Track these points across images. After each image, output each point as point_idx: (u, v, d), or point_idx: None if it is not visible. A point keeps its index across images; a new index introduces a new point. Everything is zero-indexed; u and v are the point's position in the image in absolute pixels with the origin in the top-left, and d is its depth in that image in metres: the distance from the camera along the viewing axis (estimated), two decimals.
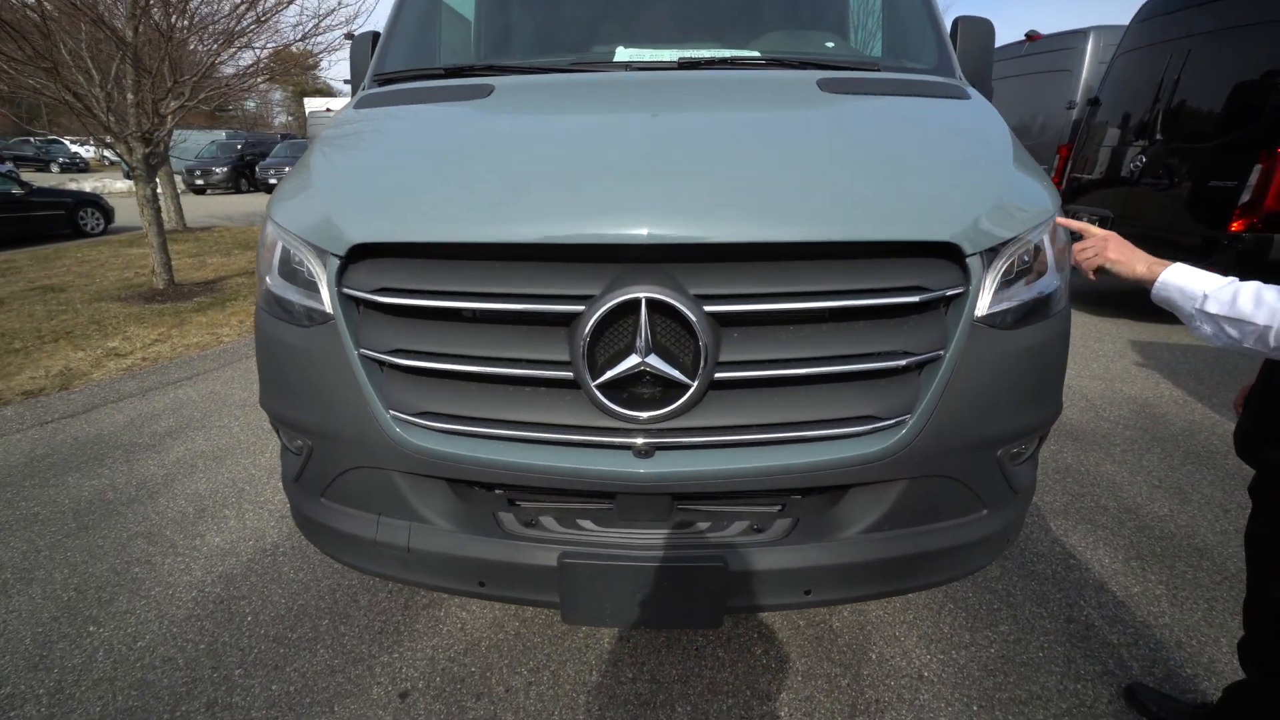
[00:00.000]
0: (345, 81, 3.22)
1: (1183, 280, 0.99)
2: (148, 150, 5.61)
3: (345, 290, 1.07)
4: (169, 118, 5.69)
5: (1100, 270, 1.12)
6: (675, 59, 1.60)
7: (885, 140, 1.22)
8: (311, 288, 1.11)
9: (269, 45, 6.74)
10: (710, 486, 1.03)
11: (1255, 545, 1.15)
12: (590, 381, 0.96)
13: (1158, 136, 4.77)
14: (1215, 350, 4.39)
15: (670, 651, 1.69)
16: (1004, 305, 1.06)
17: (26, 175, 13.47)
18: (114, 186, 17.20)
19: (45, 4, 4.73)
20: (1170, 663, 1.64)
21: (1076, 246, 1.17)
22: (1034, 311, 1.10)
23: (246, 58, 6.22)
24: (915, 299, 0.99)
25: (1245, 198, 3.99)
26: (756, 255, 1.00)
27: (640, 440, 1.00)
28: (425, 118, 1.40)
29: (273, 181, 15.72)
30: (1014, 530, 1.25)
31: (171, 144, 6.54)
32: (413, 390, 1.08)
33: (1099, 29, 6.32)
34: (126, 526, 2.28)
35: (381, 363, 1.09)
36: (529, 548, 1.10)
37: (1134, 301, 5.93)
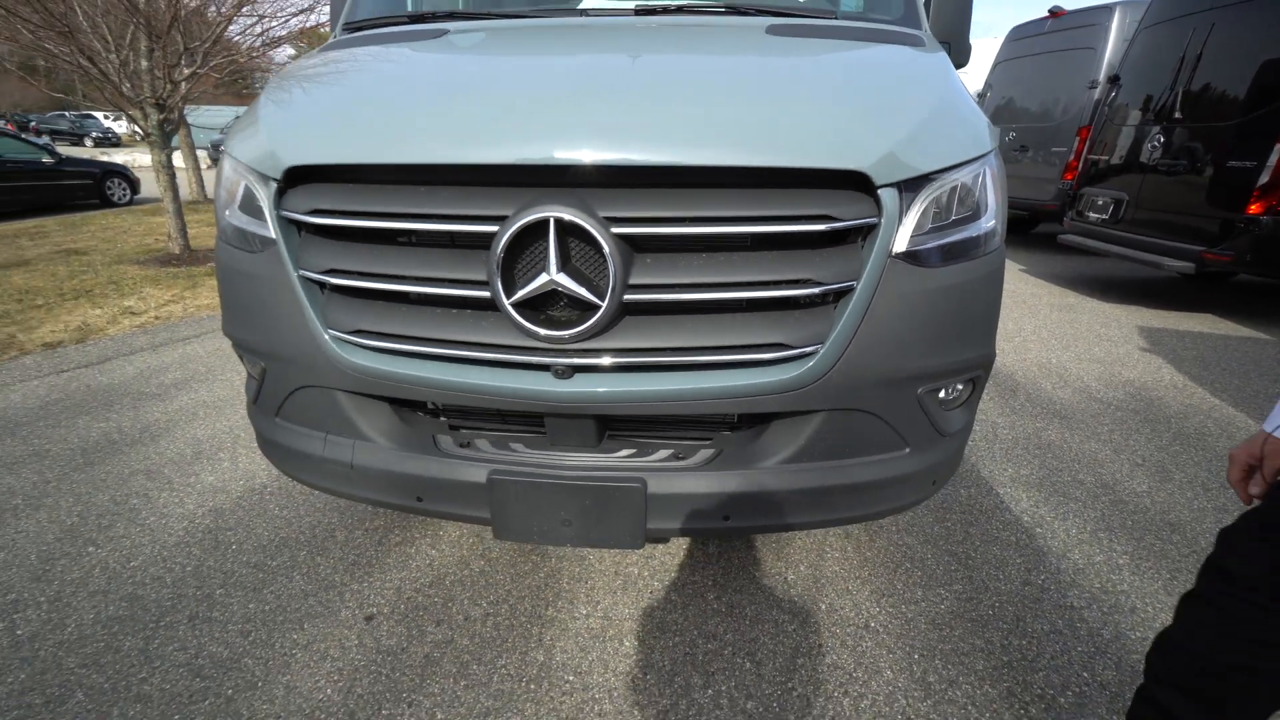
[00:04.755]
0: None
1: None
2: (162, 116, 5.76)
3: (283, 213, 1.14)
4: (182, 84, 5.82)
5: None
6: (633, 6, 1.63)
7: (814, 76, 1.23)
8: (260, 214, 1.17)
9: (279, 14, 6.79)
10: (626, 408, 1.08)
11: None
12: (505, 300, 1.00)
13: (1177, 116, 4.61)
14: (1224, 336, 4.28)
15: (625, 593, 1.75)
16: (926, 242, 1.08)
17: (62, 149, 13.84)
18: (143, 160, 17.61)
19: None
20: (1120, 625, 1.66)
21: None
22: (960, 251, 1.12)
23: (259, 29, 6.31)
24: (823, 228, 1.01)
25: (1264, 179, 3.86)
26: (666, 181, 1.03)
27: (559, 361, 1.05)
28: (372, 57, 1.46)
29: None
30: (943, 473, 1.28)
31: (189, 112, 6.66)
32: (347, 309, 1.14)
33: (1125, 4, 6.09)
34: (129, 464, 2.41)
35: (320, 284, 1.15)
36: (463, 465, 1.16)
37: (1144, 288, 5.78)
